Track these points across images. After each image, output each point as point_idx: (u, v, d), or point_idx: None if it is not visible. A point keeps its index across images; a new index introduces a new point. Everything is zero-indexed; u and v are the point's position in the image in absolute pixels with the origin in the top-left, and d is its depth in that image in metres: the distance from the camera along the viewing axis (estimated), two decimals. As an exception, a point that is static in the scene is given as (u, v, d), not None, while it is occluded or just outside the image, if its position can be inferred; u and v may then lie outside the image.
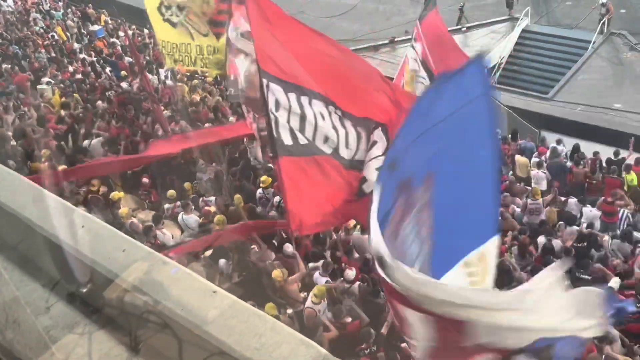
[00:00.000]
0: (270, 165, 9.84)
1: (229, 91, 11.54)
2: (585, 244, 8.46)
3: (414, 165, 3.59)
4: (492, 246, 3.82)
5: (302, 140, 5.92)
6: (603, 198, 9.60)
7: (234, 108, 11.96)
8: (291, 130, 5.87)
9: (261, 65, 5.73)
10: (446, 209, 3.68)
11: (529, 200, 9.79)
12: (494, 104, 3.73)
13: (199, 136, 10.20)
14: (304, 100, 5.87)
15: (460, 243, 3.88)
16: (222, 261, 7.66)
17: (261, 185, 9.20)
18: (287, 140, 5.89)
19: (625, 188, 10.17)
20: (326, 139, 6.00)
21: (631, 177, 10.23)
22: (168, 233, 8.22)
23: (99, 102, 12.42)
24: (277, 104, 5.79)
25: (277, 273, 7.07)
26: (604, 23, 17.99)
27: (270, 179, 9.22)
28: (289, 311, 6.83)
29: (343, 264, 7.63)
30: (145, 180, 9.52)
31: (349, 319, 6.61)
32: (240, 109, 10.67)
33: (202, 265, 7.43)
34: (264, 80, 5.74)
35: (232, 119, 11.58)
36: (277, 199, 8.89)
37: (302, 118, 5.88)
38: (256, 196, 9.31)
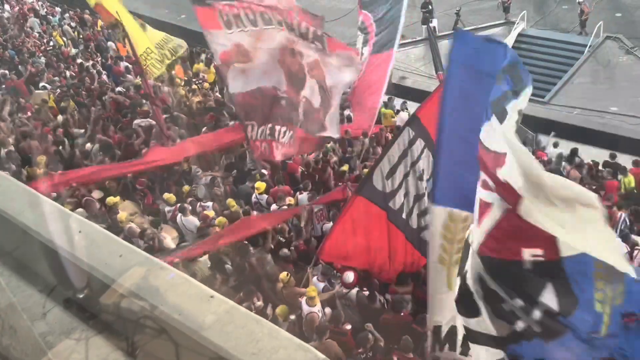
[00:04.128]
0: (264, 171, 9.84)
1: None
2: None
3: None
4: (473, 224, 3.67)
5: (387, 188, 6.30)
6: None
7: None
8: (385, 177, 6.23)
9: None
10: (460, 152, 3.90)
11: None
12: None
13: (197, 144, 10.17)
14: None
15: (456, 189, 3.90)
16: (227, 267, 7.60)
17: (256, 190, 9.16)
18: (378, 184, 6.26)
19: (622, 190, 10.19)
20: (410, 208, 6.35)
21: (629, 180, 10.25)
22: (167, 237, 8.13)
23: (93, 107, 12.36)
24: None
25: (284, 275, 7.05)
26: (582, 24, 18.27)
27: (264, 185, 9.17)
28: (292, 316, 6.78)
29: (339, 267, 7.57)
30: (141, 181, 9.47)
31: (349, 326, 6.56)
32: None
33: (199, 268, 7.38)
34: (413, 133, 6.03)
35: (231, 123, 11.55)
36: (274, 207, 8.84)
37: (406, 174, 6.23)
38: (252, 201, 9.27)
